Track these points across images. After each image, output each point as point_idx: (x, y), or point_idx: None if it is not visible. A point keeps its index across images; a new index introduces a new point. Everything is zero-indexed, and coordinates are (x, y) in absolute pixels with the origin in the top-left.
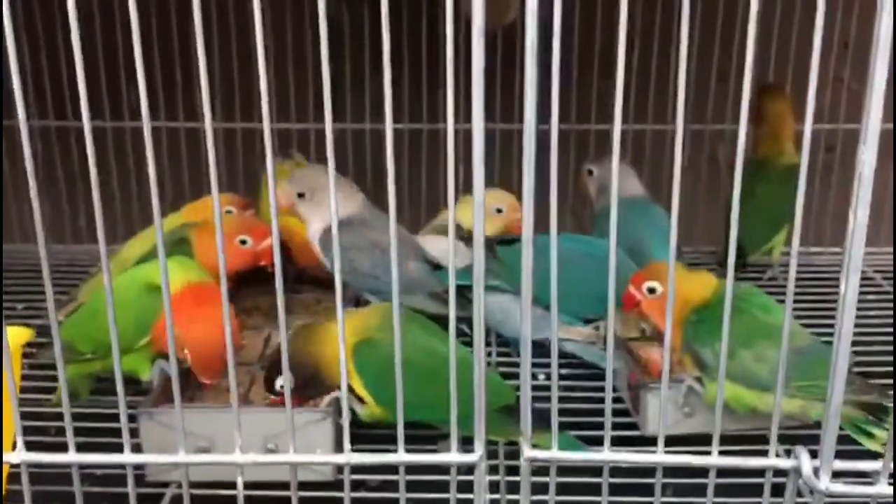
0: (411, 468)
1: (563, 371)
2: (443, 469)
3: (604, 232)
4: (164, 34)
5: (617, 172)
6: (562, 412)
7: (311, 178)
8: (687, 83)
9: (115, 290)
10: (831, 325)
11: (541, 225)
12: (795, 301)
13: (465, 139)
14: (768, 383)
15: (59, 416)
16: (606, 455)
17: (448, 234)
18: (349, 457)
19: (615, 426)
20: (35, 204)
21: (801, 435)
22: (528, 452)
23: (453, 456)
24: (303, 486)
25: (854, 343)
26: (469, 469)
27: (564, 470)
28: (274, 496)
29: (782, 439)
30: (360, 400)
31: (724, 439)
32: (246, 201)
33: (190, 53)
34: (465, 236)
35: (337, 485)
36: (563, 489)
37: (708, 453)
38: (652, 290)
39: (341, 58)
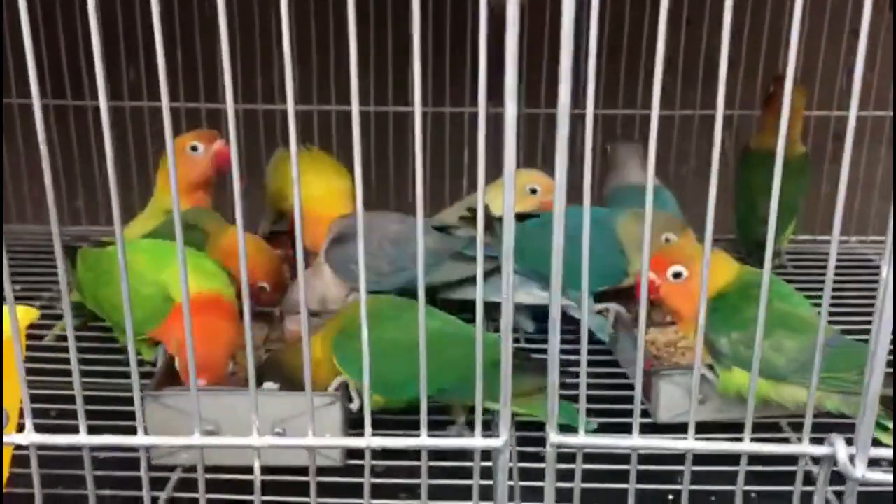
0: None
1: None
2: (454, 454)
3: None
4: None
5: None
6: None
7: None
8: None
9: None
10: (843, 315)
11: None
12: (805, 290)
13: (494, 122)
14: (785, 373)
15: (59, 399)
16: (636, 441)
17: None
18: (370, 440)
19: (624, 413)
20: (48, 182)
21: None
22: (554, 438)
23: (477, 440)
24: (306, 471)
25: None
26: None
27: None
28: (284, 481)
29: (794, 428)
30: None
31: (733, 427)
32: (213, 133)
33: (213, 35)
34: (496, 218)
35: (344, 470)
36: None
37: (738, 440)
38: (678, 275)
39: (365, 40)
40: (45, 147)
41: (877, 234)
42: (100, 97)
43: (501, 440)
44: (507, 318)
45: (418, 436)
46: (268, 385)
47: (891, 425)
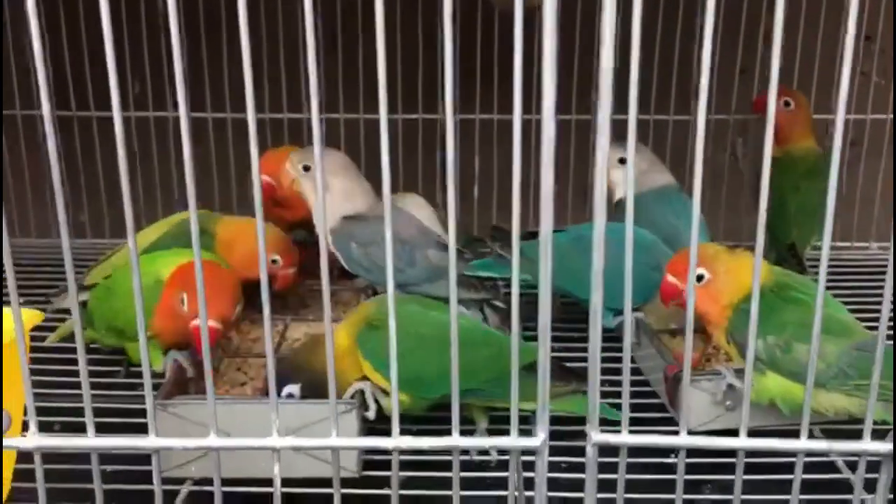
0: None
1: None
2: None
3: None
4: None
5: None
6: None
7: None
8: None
9: (124, 280)
10: (866, 322)
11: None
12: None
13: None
14: (824, 379)
15: (63, 412)
16: (684, 439)
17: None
18: (398, 440)
19: (651, 420)
20: (58, 191)
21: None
22: (596, 437)
23: (513, 440)
24: (320, 483)
25: None
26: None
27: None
28: (300, 493)
29: (827, 435)
30: (384, 392)
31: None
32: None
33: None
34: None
35: (360, 482)
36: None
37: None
38: (700, 278)
39: (393, 47)
40: (56, 160)
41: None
42: (113, 110)
43: (540, 439)
44: (544, 319)
45: (449, 435)
46: (290, 389)
47: None
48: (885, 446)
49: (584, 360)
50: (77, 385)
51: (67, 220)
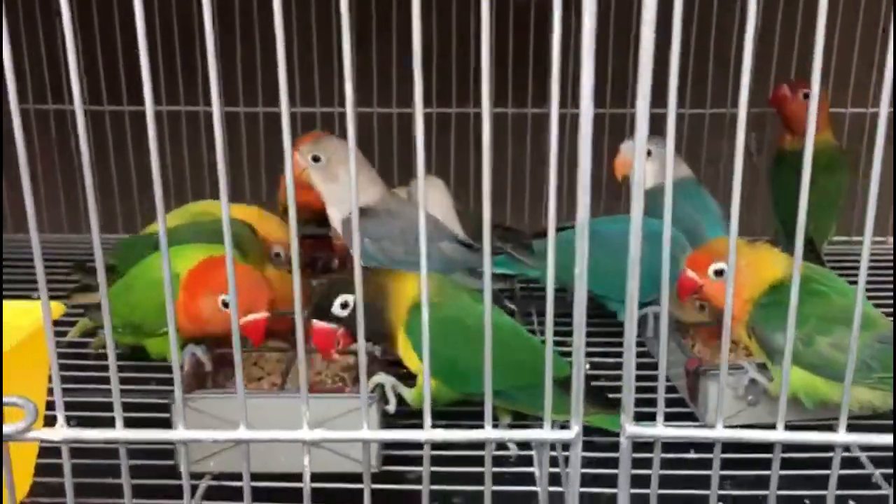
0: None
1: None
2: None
3: (652, 214)
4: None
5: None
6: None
7: (329, 145)
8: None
9: (143, 273)
10: (888, 315)
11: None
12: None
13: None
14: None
15: (79, 406)
16: (720, 432)
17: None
18: (430, 433)
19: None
20: (88, 182)
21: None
22: (630, 429)
23: (546, 433)
24: (337, 477)
25: None
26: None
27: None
28: (321, 489)
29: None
30: (407, 381)
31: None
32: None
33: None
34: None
35: (378, 477)
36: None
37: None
38: (720, 273)
39: (428, 41)
40: (88, 155)
41: None
42: (146, 104)
43: (574, 432)
44: (579, 336)
45: (482, 427)
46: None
47: None
48: None
49: (601, 354)
50: (87, 380)
51: (97, 215)
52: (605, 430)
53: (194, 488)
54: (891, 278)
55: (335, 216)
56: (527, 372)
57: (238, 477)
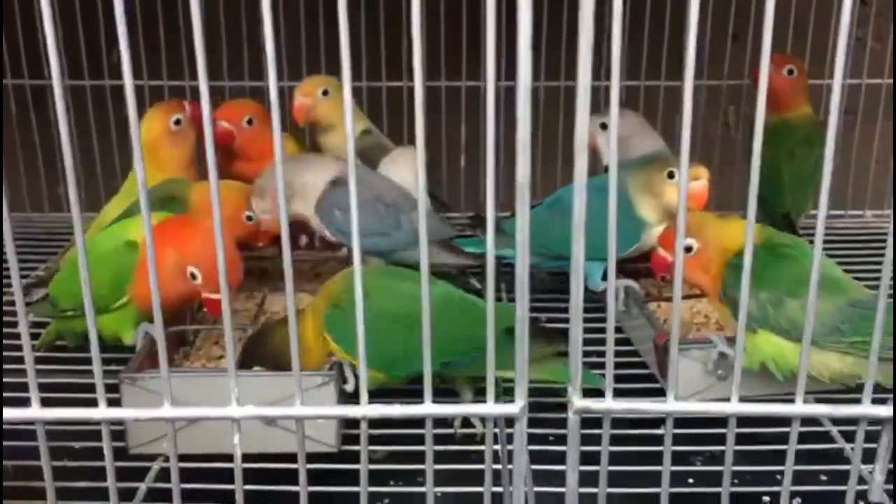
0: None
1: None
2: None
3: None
4: None
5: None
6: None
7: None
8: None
9: (93, 248)
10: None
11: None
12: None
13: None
14: (817, 336)
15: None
16: (671, 405)
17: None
18: (366, 409)
19: (636, 392)
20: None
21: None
22: (578, 403)
23: (491, 407)
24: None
25: None
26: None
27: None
28: (274, 469)
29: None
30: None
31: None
32: (178, 103)
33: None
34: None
35: (339, 457)
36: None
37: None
38: (689, 249)
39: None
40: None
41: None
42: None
43: (518, 406)
44: (521, 283)
45: (421, 403)
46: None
47: None
48: (885, 410)
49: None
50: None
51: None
52: (555, 404)
53: (146, 470)
54: (870, 251)
55: (309, 201)
56: (472, 333)
57: (192, 458)
